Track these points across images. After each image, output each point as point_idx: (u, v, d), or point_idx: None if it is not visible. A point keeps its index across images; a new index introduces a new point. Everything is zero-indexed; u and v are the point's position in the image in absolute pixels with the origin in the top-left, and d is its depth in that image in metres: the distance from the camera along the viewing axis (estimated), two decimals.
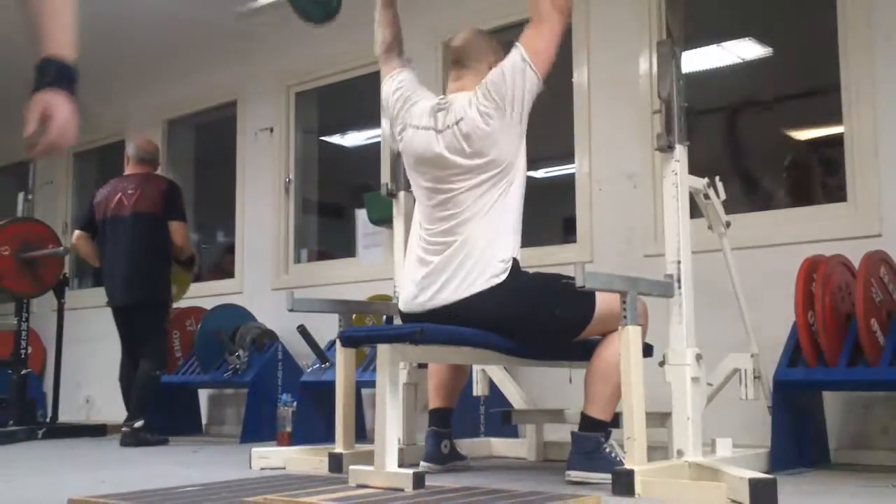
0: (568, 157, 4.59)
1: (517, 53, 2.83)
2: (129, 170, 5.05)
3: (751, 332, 3.24)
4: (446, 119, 2.90)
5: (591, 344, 2.90)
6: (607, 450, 2.76)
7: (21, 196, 5.75)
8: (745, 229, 3.68)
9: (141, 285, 4.81)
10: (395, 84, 3.16)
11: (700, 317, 2.76)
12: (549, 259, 4.22)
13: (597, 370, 2.81)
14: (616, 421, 2.77)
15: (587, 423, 2.79)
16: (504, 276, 2.78)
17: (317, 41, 5.55)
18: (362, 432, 4.37)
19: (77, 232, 5.09)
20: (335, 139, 6.64)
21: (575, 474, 2.73)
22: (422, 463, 3.12)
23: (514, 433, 3.95)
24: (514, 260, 2.82)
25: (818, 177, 4.52)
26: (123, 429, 4.67)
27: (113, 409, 6.22)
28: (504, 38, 2.98)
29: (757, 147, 4.72)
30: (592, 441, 2.76)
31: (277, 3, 3.74)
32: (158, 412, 4.90)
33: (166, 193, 4.89)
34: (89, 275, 7.31)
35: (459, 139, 2.84)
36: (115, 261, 4.83)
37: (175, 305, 5.47)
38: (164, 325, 5.01)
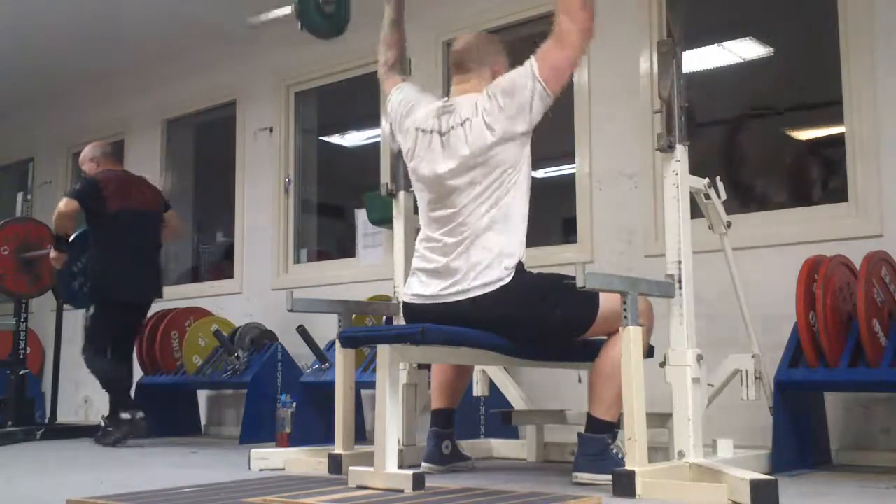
0: (568, 157, 4.57)
1: (529, 72, 2.76)
2: (112, 165, 5.02)
3: (752, 333, 3.23)
4: (451, 121, 2.87)
5: (595, 344, 2.89)
6: (614, 451, 2.75)
7: (20, 196, 5.74)
8: (745, 229, 3.67)
9: (159, 282, 5.03)
10: (401, 95, 3.15)
11: (701, 317, 2.75)
12: (549, 259, 4.21)
13: (602, 370, 2.79)
14: (621, 421, 2.76)
15: (593, 424, 2.78)
16: (508, 279, 2.77)
17: (316, 41, 5.54)
18: (362, 433, 4.36)
19: (74, 202, 4.68)
20: (335, 139, 6.63)
21: (582, 476, 2.71)
22: (422, 464, 3.11)
23: (514, 434, 3.94)
24: (520, 262, 2.81)
25: (818, 177, 4.51)
26: (140, 417, 4.59)
27: None
28: (506, 36, 2.96)
29: (758, 147, 4.71)
30: (599, 442, 2.74)
31: (288, 16, 3.72)
32: (158, 412, 4.89)
33: (160, 192, 5.17)
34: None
35: (463, 140, 2.82)
36: (141, 256, 4.85)
37: (175, 306, 5.47)
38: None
